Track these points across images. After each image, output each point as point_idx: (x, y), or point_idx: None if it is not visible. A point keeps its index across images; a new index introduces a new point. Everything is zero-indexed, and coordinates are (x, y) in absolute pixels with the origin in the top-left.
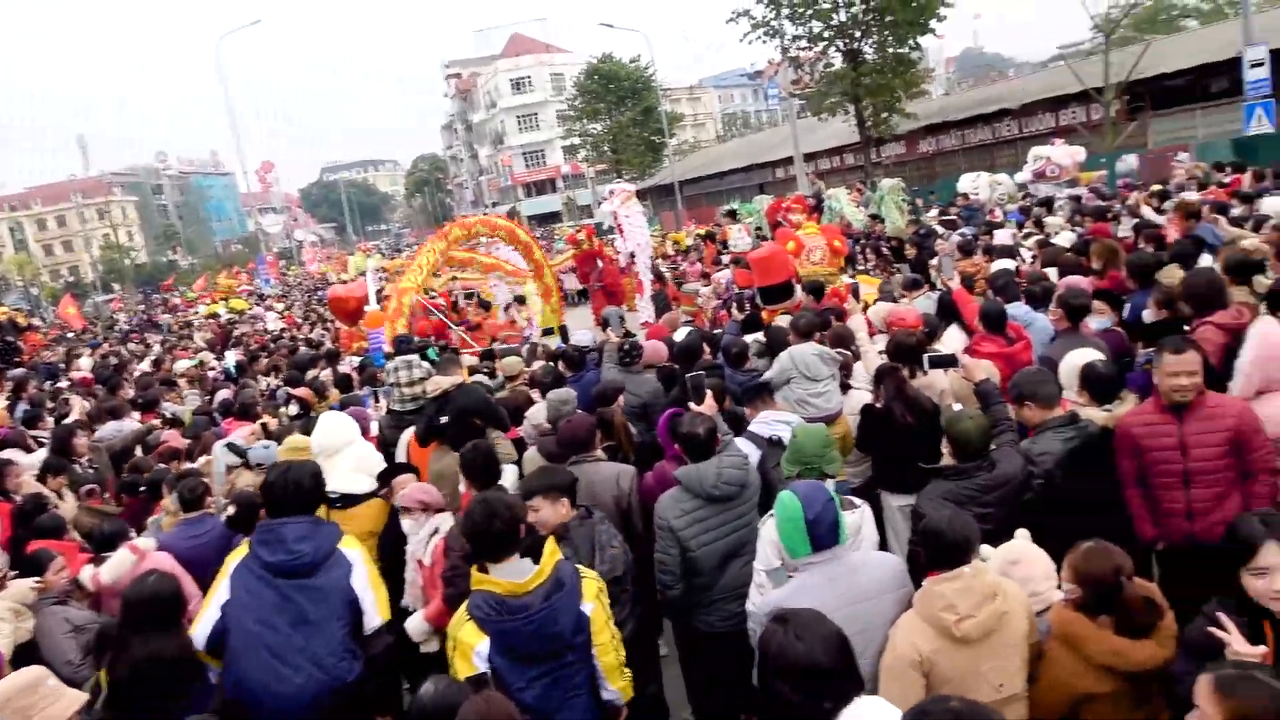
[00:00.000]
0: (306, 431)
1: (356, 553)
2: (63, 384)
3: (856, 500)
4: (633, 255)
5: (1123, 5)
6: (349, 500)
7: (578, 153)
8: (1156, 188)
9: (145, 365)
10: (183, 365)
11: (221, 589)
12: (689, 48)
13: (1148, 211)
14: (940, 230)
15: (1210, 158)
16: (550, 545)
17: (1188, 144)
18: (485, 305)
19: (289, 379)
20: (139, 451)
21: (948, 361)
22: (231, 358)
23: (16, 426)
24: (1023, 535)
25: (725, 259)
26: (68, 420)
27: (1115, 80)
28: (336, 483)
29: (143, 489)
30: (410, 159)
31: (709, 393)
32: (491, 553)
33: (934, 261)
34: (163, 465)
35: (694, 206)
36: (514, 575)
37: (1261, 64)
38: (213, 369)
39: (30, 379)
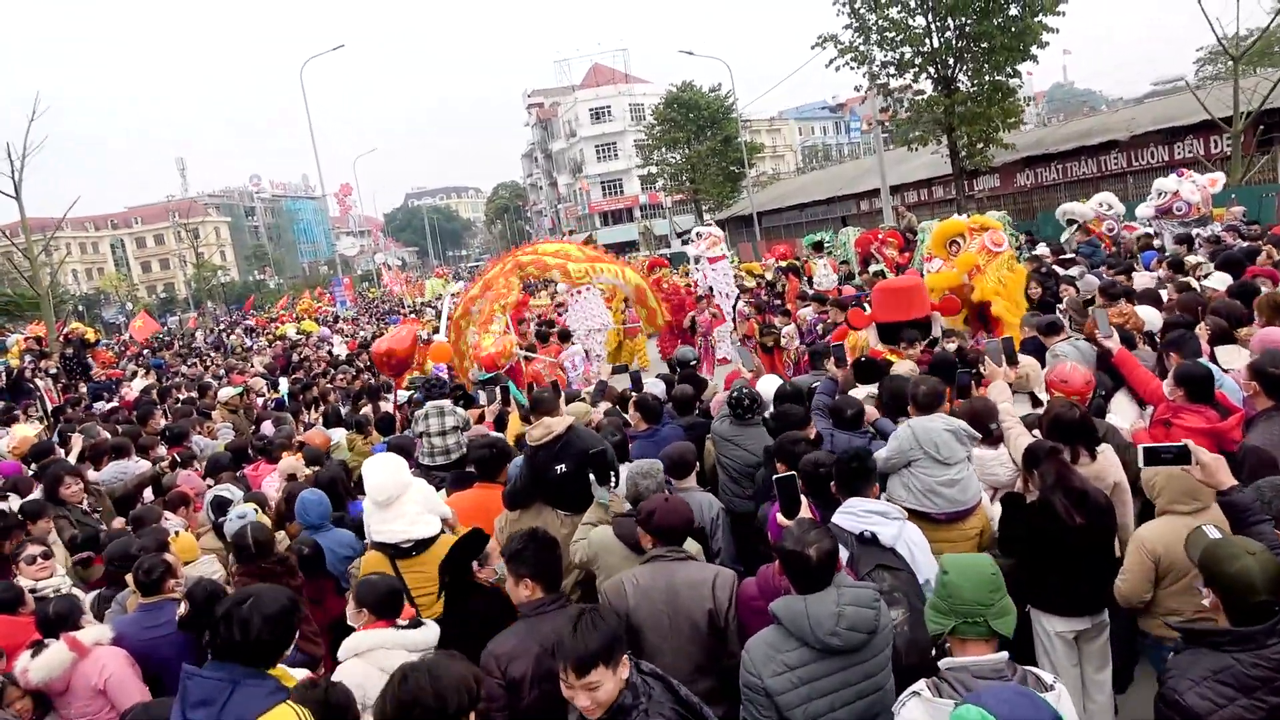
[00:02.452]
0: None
1: None
2: (106, 407)
3: (1046, 676)
4: (710, 289)
5: (1251, 28)
6: (422, 545)
7: (655, 182)
8: None
9: (193, 391)
10: (226, 393)
11: None
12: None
13: None
14: (1060, 271)
15: None
16: None
17: None
18: (565, 337)
19: (330, 415)
20: (150, 495)
21: (1177, 456)
22: (285, 384)
23: (25, 467)
24: None
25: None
26: (71, 457)
27: (1245, 109)
28: (407, 529)
29: (112, 565)
30: (491, 186)
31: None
32: None
33: (1061, 306)
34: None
35: (772, 238)
36: None
37: None
38: (261, 396)
39: (79, 400)
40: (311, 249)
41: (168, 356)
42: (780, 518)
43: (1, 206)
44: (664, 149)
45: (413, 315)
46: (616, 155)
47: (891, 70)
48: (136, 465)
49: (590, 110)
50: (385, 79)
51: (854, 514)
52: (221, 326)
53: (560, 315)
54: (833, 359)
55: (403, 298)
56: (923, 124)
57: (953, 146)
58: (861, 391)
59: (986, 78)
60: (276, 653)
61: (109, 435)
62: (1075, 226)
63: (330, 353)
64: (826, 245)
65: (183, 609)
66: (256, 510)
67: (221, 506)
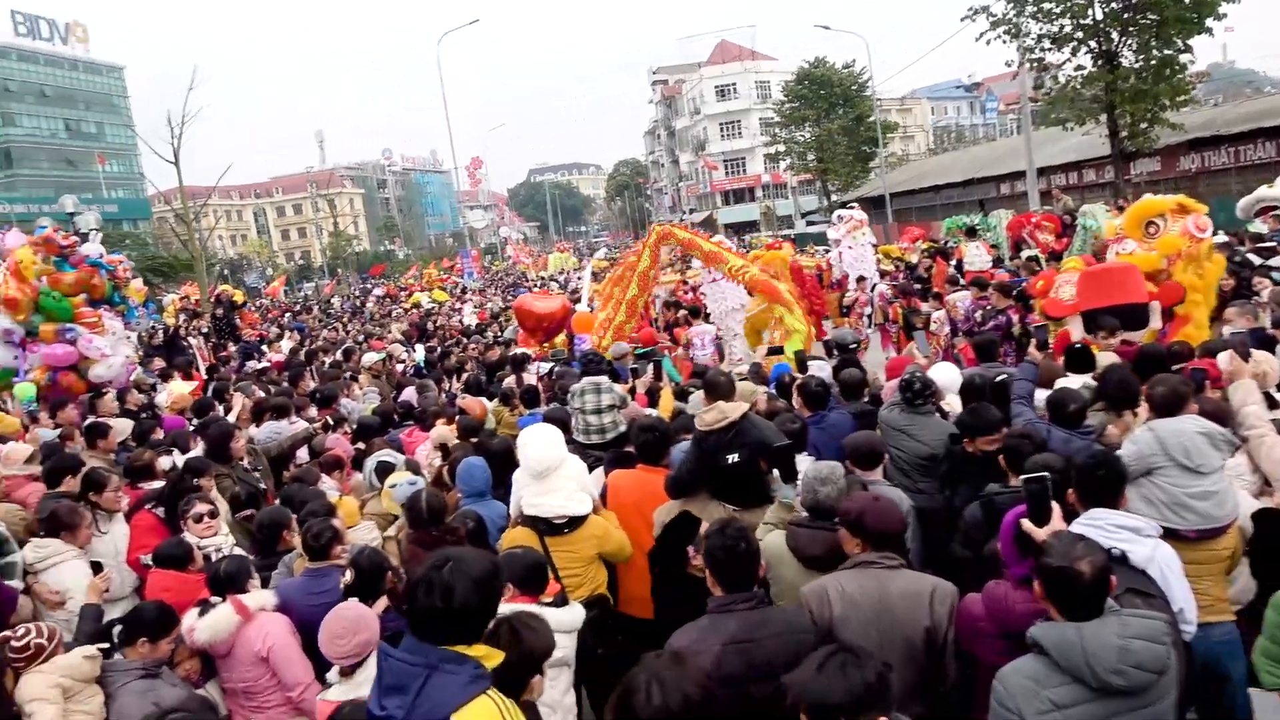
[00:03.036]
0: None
1: None
2: (258, 366)
3: None
4: (845, 275)
5: None
6: (575, 523)
7: (780, 160)
8: None
9: (337, 354)
10: (370, 358)
11: None
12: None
13: None
14: (1256, 260)
15: None
16: None
17: None
18: (694, 313)
19: (471, 384)
20: (305, 455)
21: None
22: (421, 351)
23: (190, 421)
24: None
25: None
26: (231, 416)
27: None
28: (563, 504)
29: (260, 529)
30: (612, 163)
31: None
32: None
33: (1260, 299)
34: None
35: (903, 221)
36: None
37: None
38: (401, 362)
39: (230, 358)
40: (439, 222)
41: (309, 320)
42: (1027, 525)
43: (159, 175)
44: (793, 126)
45: (541, 288)
46: (740, 134)
47: (1047, 44)
48: (291, 425)
49: (716, 87)
50: (512, 55)
51: (1100, 528)
52: (356, 293)
53: (688, 295)
54: (1034, 342)
55: (525, 271)
56: (1080, 102)
57: (1113, 126)
58: (1075, 381)
59: (1154, 52)
60: (482, 623)
61: (264, 395)
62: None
63: (461, 322)
64: (977, 228)
65: (348, 577)
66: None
67: (384, 471)
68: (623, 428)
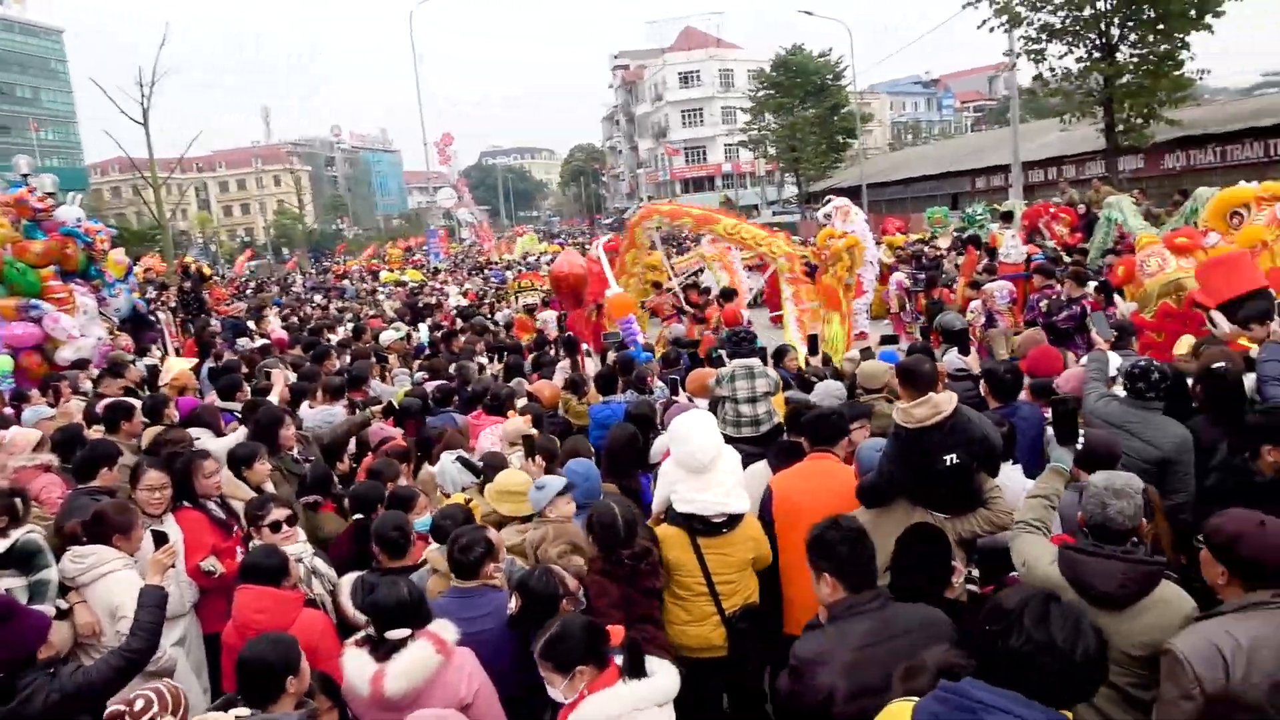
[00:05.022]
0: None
1: None
2: (253, 344)
3: None
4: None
5: None
6: (733, 522)
7: (756, 148)
8: None
9: (344, 332)
10: (389, 336)
11: None
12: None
13: None
14: None
15: None
16: None
17: None
18: (728, 296)
19: (513, 368)
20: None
21: None
22: (425, 331)
23: (208, 398)
24: None
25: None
26: (271, 397)
27: None
28: (724, 501)
29: (384, 534)
30: (566, 148)
31: None
32: None
33: None
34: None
35: (874, 213)
36: None
37: None
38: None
39: (216, 334)
40: (387, 202)
41: (284, 298)
42: None
43: (111, 146)
44: (768, 114)
45: (521, 271)
46: (703, 121)
47: (1046, 37)
48: (336, 410)
49: (679, 74)
50: (467, 36)
51: None
52: (314, 272)
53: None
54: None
55: (491, 255)
56: (1078, 95)
57: (1109, 121)
58: None
59: (1155, 47)
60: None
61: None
62: None
63: (451, 305)
64: (978, 219)
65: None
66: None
67: (469, 465)
68: (777, 418)
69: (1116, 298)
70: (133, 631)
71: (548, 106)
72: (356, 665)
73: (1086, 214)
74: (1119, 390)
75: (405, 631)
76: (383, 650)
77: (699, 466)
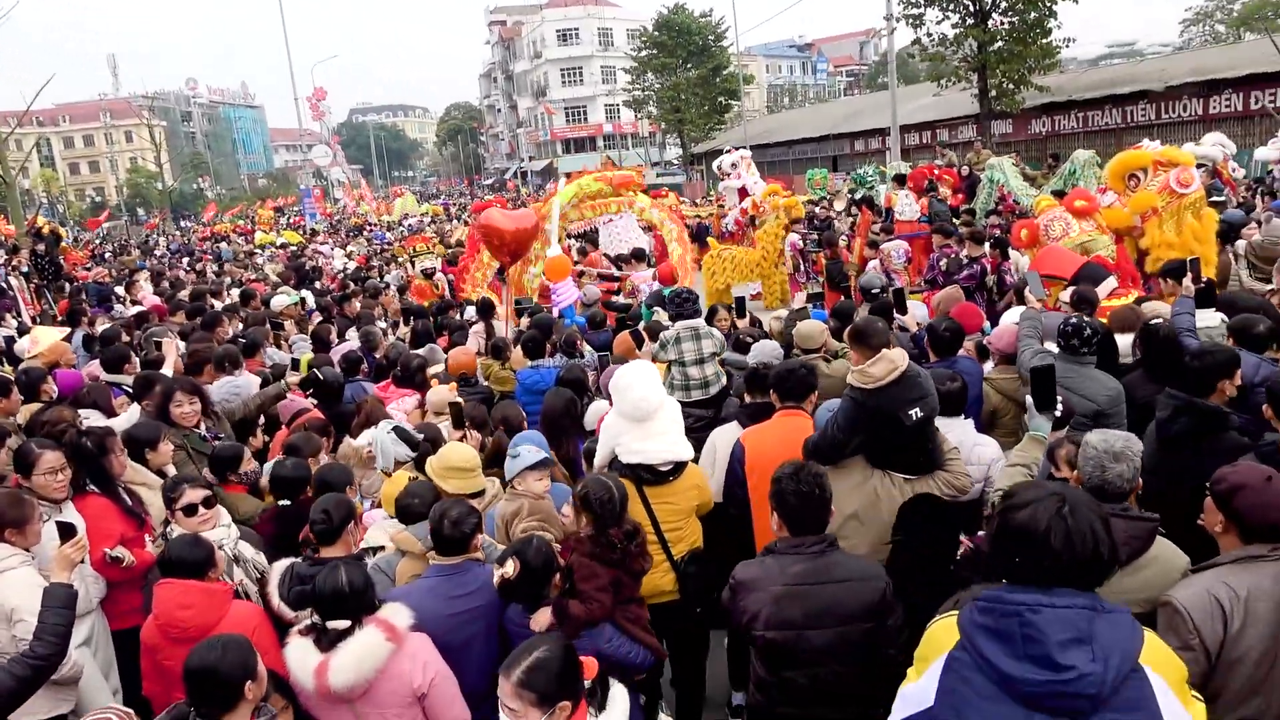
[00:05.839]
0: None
1: (1160, 679)
2: (127, 311)
3: None
4: (753, 220)
5: None
6: (678, 470)
7: (639, 109)
8: None
9: (228, 298)
10: (281, 301)
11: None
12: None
13: None
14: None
15: None
16: None
17: None
18: (639, 257)
19: (422, 333)
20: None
21: None
22: (310, 296)
23: (95, 376)
24: None
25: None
26: (165, 368)
27: None
28: (670, 449)
29: (318, 521)
30: (442, 107)
31: None
32: None
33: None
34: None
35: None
36: None
37: None
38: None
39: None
40: (251, 160)
41: (148, 262)
42: None
43: None
44: (652, 74)
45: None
46: (583, 80)
47: (924, 1)
48: (246, 380)
49: (557, 31)
50: None
51: None
52: (179, 233)
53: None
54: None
55: (367, 215)
56: (953, 61)
57: (983, 86)
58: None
59: (1024, 14)
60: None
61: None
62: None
63: (335, 268)
64: (869, 181)
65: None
66: None
67: (405, 437)
68: (724, 380)
69: (1013, 254)
70: (37, 636)
71: (420, 63)
72: (299, 656)
73: (969, 176)
74: (1051, 347)
75: (344, 623)
76: (326, 640)
77: (643, 415)
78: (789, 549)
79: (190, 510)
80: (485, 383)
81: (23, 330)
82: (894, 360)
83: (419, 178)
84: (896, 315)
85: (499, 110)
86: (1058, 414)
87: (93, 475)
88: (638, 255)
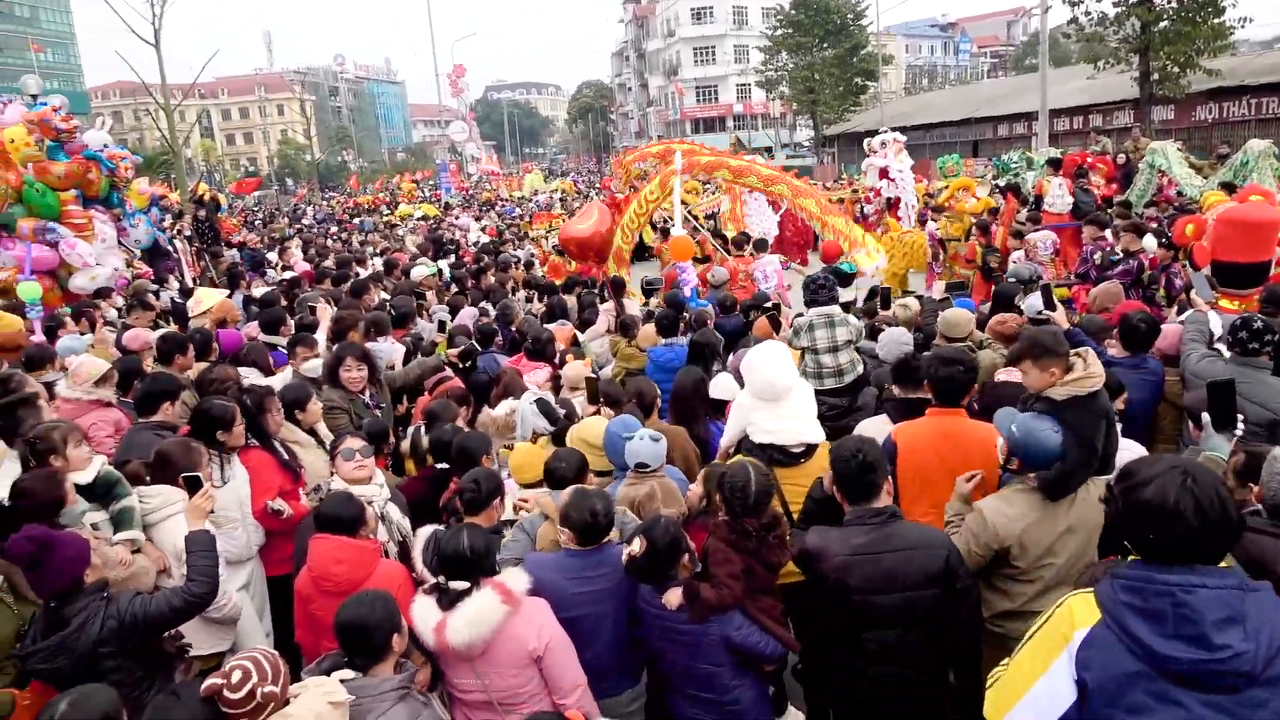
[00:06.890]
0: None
1: None
2: (280, 277)
3: None
4: (888, 202)
5: None
6: (810, 451)
7: (772, 89)
8: None
9: (372, 266)
10: (421, 272)
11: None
12: None
13: None
14: None
15: None
16: None
17: None
18: (760, 246)
19: (555, 307)
20: None
21: None
22: (446, 268)
23: (254, 336)
24: None
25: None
26: (318, 334)
27: None
28: (802, 431)
29: (468, 489)
30: (574, 84)
31: None
32: None
33: None
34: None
35: None
36: None
37: None
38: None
39: (238, 266)
40: (392, 135)
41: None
42: None
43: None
44: (786, 53)
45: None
46: (715, 60)
47: None
48: (389, 348)
49: (692, 10)
50: None
51: None
52: (325, 204)
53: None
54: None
55: (498, 191)
56: (1113, 42)
57: (1145, 69)
58: None
59: None
60: None
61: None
62: None
63: (471, 241)
64: (1013, 167)
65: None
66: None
67: (547, 412)
68: (861, 368)
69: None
70: (190, 577)
71: (554, 41)
72: (422, 614)
73: (1126, 164)
74: (1221, 349)
75: (464, 585)
76: (446, 600)
77: (775, 395)
78: (853, 520)
79: (348, 455)
80: (613, 359)
81: (185, 292)
82: (1092, 365)
83: (548, 154)
84: (1046, 311)
85: (629, 89)
86: (1239, 433)
87: (253, 431)
88: (759, 245)
